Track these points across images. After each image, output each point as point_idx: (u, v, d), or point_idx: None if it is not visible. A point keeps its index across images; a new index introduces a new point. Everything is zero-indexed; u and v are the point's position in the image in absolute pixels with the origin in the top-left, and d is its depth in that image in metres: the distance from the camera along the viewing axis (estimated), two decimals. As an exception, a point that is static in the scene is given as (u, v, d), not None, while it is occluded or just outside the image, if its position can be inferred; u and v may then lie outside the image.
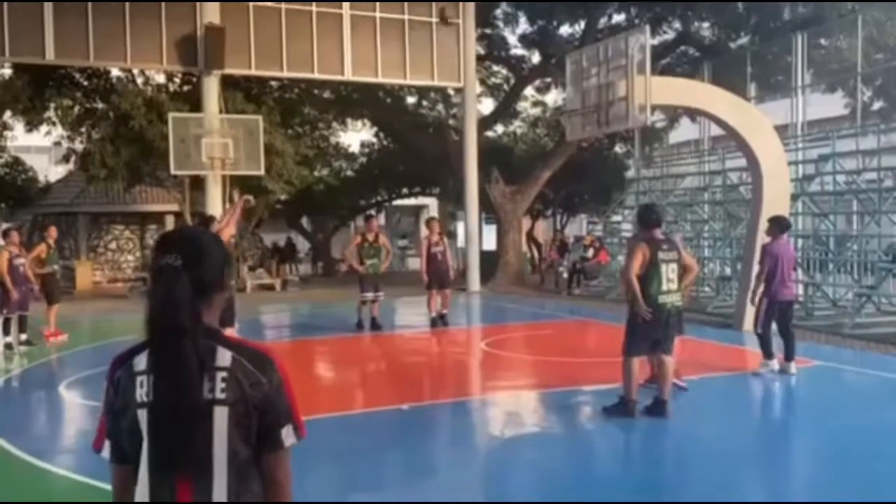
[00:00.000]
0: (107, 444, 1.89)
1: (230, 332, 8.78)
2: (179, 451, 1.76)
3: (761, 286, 8.55)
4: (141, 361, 1.82)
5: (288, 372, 1.89)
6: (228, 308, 8.69)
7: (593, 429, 6.91)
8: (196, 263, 1.83)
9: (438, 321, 12.82)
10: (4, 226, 30.51)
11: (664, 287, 6.51)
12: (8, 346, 11.20)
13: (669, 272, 6.55)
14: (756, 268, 8.47)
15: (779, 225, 8.78)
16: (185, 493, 1.77)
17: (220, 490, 1.78)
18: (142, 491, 1.80)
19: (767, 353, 8.64)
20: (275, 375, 1.85)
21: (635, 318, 6.58)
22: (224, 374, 1.79)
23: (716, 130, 16.51)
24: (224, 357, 1.81)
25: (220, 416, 1.77)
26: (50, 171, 31.06)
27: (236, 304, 9.06)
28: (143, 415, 1.79)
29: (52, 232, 12.80)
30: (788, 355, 8.56)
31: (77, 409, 7.90)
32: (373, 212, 13.41)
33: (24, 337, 11.53)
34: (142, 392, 1.79)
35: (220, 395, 1.78)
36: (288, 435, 1.85)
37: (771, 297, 8.46)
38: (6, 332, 11.28)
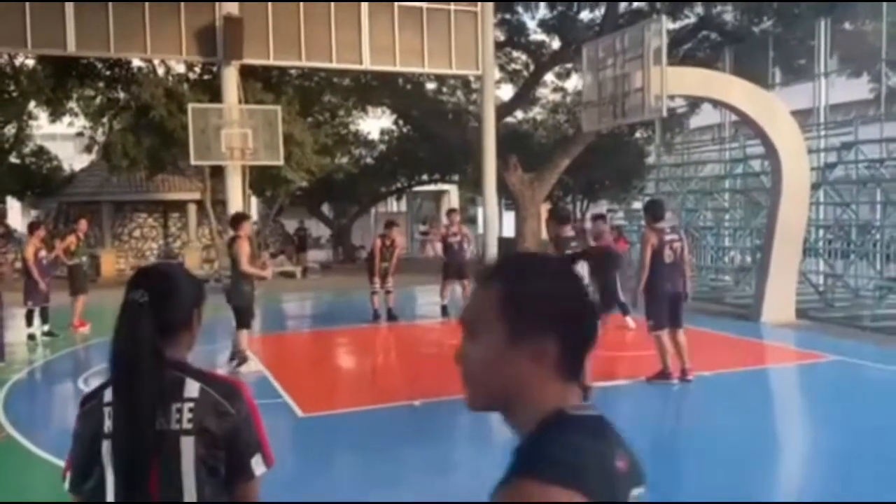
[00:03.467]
0: (68, 475, 1.95)
1: (244, 333, 8.88)
2: (135, 481, 1.80)
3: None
4: (110, 393, 1.87)
5: (254, 402, 1.94)
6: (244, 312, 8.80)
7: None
8: (162, 301, 1.86)
9: (451, 311, 12.94)
10: (33, 213, 30.95)
11: None
12: (31, 337, 11.44)
13: (578, 268, 6.75)
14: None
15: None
16: None
17: None
18: None
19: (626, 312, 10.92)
20: (242, 406, 1.90)
21: None
22: (191, 405, 1.84)
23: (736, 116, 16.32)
24: (192, 388, 1.86)
25: (188, 446, 1.83)
26: (76, 158, 31.43)
27: (255, 294, 9.16)
28: (106, 445, 1.84)
29: (83, 225, 12.99)
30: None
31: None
32: (396, 221, 13.96)
33: (46, 328, 11.76)
34: (108, 423, 1.85)
35: (186, 426, 1.83)
36: (258, 464, 1.91)
37: None
38: (29, 323, 11.52)
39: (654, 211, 8.17)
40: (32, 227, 12.19)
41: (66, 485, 1.95)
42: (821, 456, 6.06)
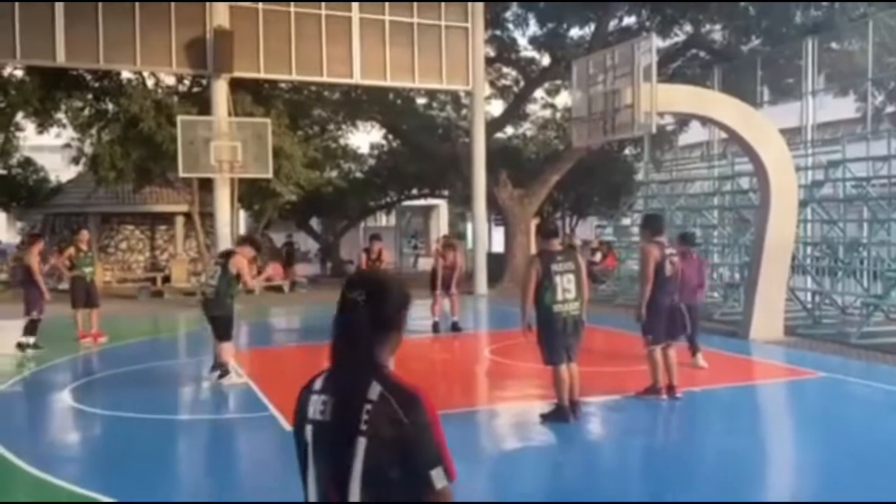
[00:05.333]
0: None
1: (227, 346, 8.93)
2: (333, 468, 1.91)
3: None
4: (320, 381, 2.02)
5: (436, 414, 1.93)
6: (227, 323, 8.86)
7: (597, 442, 6.87)
8: (377, 301, 2.00)
9: (442, 326, 12.88)
10: (18, 225, 30.67)
11: (559, 297, 6.77)
12: (20, 347, 11.27)
13: (565, 282, 6.80)
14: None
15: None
16: None
17: None
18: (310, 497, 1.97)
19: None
20: (420, 416, 1.90)
21: (545, 329, 6.80)
22: (369, 406, 1.89)
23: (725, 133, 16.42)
24: (374, 391, 1.91)
25: (360, 445, 1.87)
26: (63, 170, 31.25)
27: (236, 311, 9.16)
28: (309, 429, 1.97)
29: (83, 236, 12.80)
30: None
31: (76, 416, 7.92)
32: (380, 234, 13.94)
33: (32, 340, 11.60)
34: (313, 410, 1.98)
35: (362, 427, 1.88)
36: (438, 477, 1.89)
37: None
38: (31, 332, 11.36)
39: (653, 225, 8.07)
40: (33, 238, 12.08)
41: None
42: (807, 472, 6.03)
